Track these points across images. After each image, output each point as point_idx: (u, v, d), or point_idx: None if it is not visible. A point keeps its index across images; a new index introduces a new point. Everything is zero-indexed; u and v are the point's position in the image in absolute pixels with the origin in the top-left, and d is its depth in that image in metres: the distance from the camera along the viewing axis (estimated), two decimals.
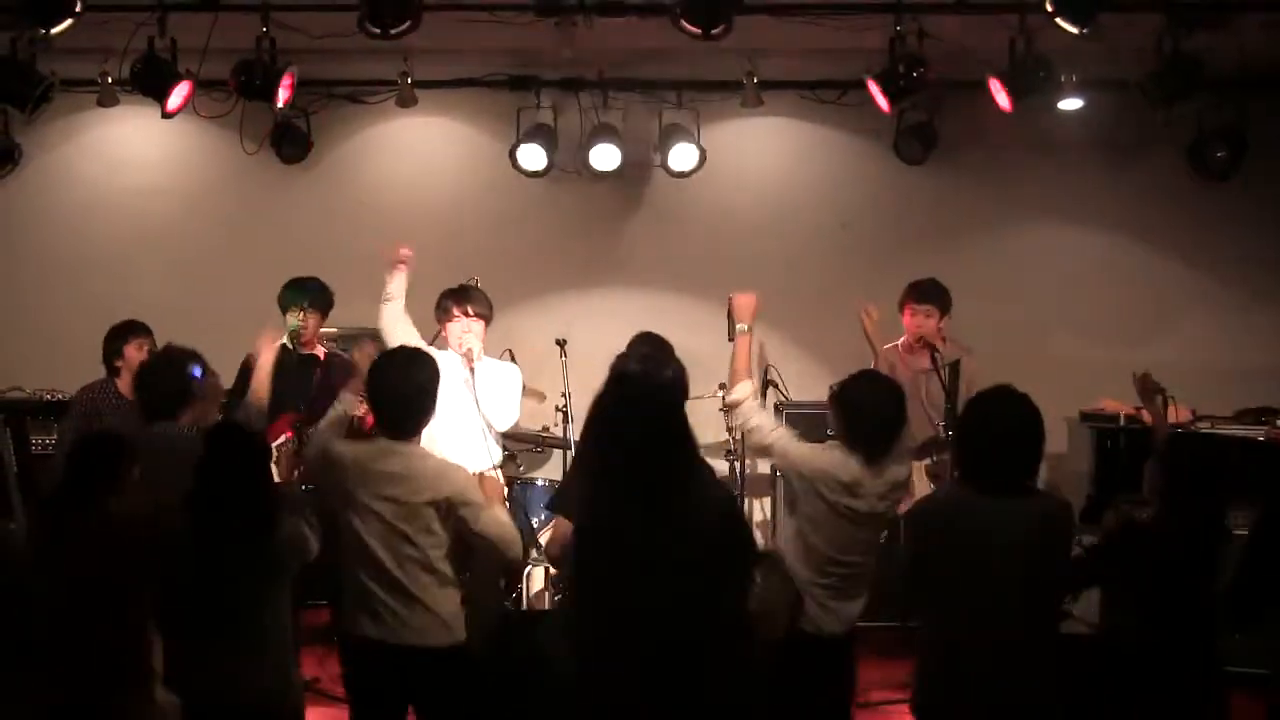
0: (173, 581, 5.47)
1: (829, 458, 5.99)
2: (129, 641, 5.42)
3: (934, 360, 8.47)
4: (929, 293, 8.66)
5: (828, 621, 6.05)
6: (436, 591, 5.73)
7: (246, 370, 7.99)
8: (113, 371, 8.08)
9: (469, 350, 7.91)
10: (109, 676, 5.37)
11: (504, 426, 8.10)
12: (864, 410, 5.95)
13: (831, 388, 6.34)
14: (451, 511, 5.73)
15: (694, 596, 4.76)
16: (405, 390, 5.85)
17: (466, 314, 8.00)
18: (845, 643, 6.19)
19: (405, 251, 8.02)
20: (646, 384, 5.06)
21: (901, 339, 8.92)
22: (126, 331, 8.11)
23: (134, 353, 8.03)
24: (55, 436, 9.07)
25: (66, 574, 5.36)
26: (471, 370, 7.90)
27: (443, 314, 8.08)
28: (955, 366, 8.39)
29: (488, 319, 8.10)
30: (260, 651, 5.51)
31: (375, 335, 7.85)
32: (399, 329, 7.86)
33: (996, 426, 5.28)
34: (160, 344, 8.01)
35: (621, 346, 6.71)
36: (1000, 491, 5.17)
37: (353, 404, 6.26)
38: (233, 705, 5.49)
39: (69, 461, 5.75)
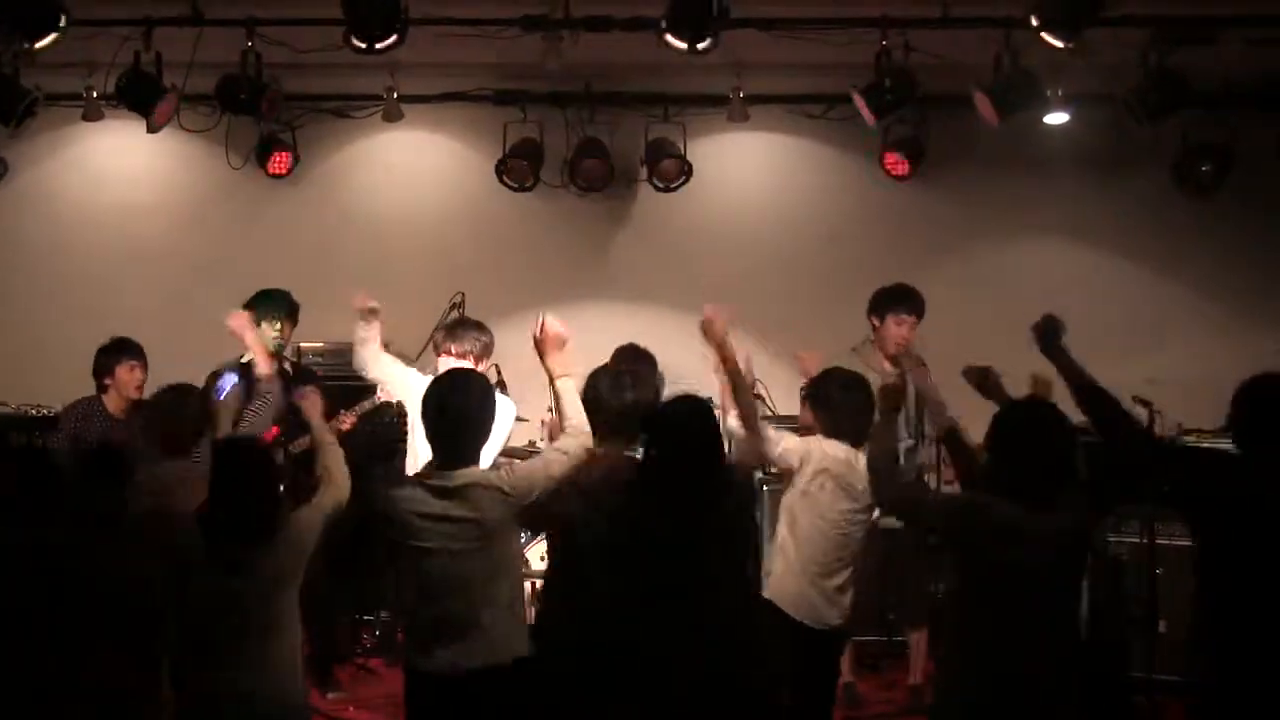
0: (185, 590, 5.46)
1: (827, 441, 6.43)
2: (138, 652, 5.39)
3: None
4: (917, 302, 8.59)
5: (832, 615, 6.40)
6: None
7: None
8: (101, 388, 8.04)
9: None
10: (117, 685, 5.34)
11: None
12: (844, 403, 6.46)
13: (803, 390, 6.83)
14: None
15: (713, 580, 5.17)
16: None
17: (450, 353, 7.71)
18: (843, 634, 6.65)
19: (369, 304, 7.68)
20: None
21: (863, 343, 8.77)
22: (119, 351, 8.05)
23: (125, 374, 7.99)
24: None
25: (84, 585, 5.30)
26: None
27: (436, 346, 7.89)
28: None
29: (478, 356, 7.73)
30: (265, 665, 5.48)
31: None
32: (375, 370, 7.74)
33: (1027, 438, 5.28)
34: (150, 362, 8.04)
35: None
36: (1031, 499, 5.15)
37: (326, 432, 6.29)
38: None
39: (77, 476, 5.71)
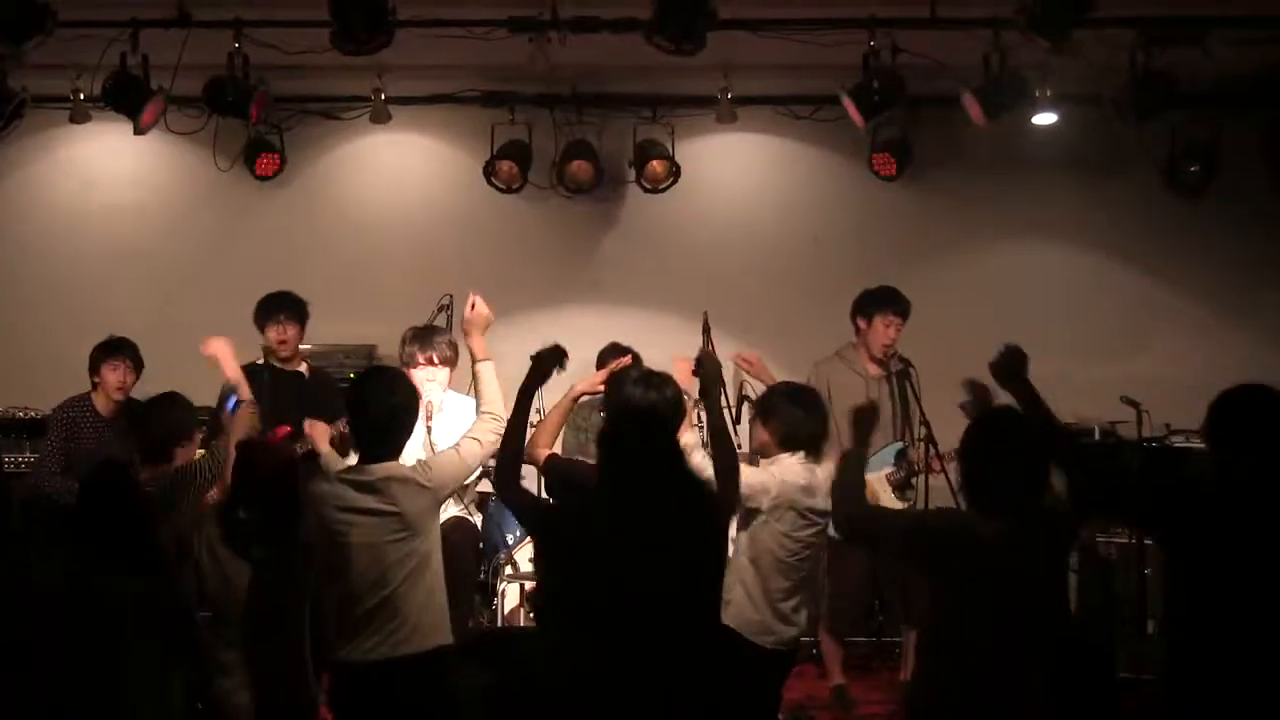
0: (201, 589, 5.46)
1: (784, 466, 6.33)
2: (160, 654, 5.37)
3: (908, 375, 8.43)
4: (904, 304, 8.59)
5: (790, 632, 6.39)
6: None
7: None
8: (92, 386, 8.11)
9: (428, 404, 7.52)
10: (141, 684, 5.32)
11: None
12: (790, 412, 6.40)
13: (754, 403, 6.88)
14: None
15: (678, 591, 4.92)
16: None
17: (431, 362, 7.74)
18: (795, 649, 6.59)
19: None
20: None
21: (845, 347, 8.76)
22: (105, 350, 8.09)
23: (108, 373, 8.03)
24: (29, 454, 9.08)
25: (103, 590, 5.26)
26: (429, 427, 7.62)
27: (407, 359, 7.83)
28: (905, 375, 8.37)
29: (453, 363, 7.82)
30: (281, 663, 5.49)
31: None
32: None
33: (1004, 449, 5.25)
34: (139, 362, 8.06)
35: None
36: (1009, 512, 5.12)
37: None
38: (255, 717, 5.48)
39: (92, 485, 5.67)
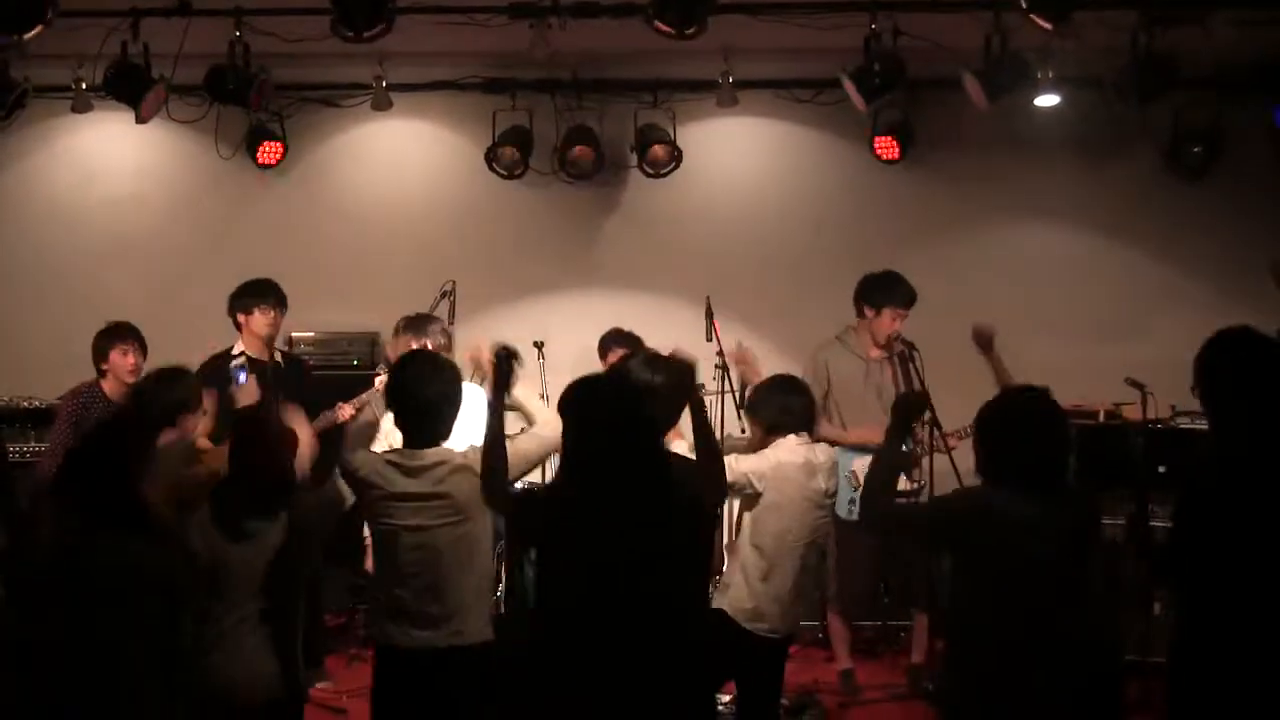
0: (197, 565, 5.44)
1: (781, 448, 6.43)
2: (157, 631, 5.35)
3: (911, 358, 8.42)
4: (913, 296, 8.57)
5: (785, 624, 6.45)
6: None
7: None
8: (100, 374, 8.08)
9: None
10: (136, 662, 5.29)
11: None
12: (777, 404, 6.53)
13: (746, 395, 7.05)
14: None
15: (659, 590, 4.87)
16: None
17: (426, 348, 7.63)
18: (791, 638, 6.68)
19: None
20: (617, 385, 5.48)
21: (845, 331, 8.75)
22: (112, 335, 8.08)
23: (118, 358, 8.03)
24: (34, 444, 9.09)
25: (100, 570, 5.22)
26: None
27: (400, 345, 7.82)
28: (908, 357, 8.36)
29: (448, 350, 7.77)
30: (276, 644, 5.47)
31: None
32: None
33: (1026, 425, 5.22)
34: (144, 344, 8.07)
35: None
36: (1032, 491, 5.10)
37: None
38: (240, 699, 5.42)
39: (95, 454, 5.62)
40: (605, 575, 4.83)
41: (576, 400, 5.10)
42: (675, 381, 5.58)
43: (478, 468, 5.51)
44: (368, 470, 5.73)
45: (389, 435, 6.89)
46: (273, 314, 8.53)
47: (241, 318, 8.54)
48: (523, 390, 5.98)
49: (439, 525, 5.64)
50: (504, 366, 5.54)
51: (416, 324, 7.93)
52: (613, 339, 8.77)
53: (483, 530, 5.78)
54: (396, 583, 5.68)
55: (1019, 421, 5.23)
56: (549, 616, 5.00)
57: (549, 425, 5.80)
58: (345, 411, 8.31)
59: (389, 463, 5.72)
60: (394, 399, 5.90)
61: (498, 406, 5.47)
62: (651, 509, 4.90)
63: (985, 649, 5.08)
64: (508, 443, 5.61)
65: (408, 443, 5.78)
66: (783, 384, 6.67)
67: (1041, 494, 5.06)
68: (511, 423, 5.77)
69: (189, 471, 6.39)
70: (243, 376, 7.31)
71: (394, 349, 7.93)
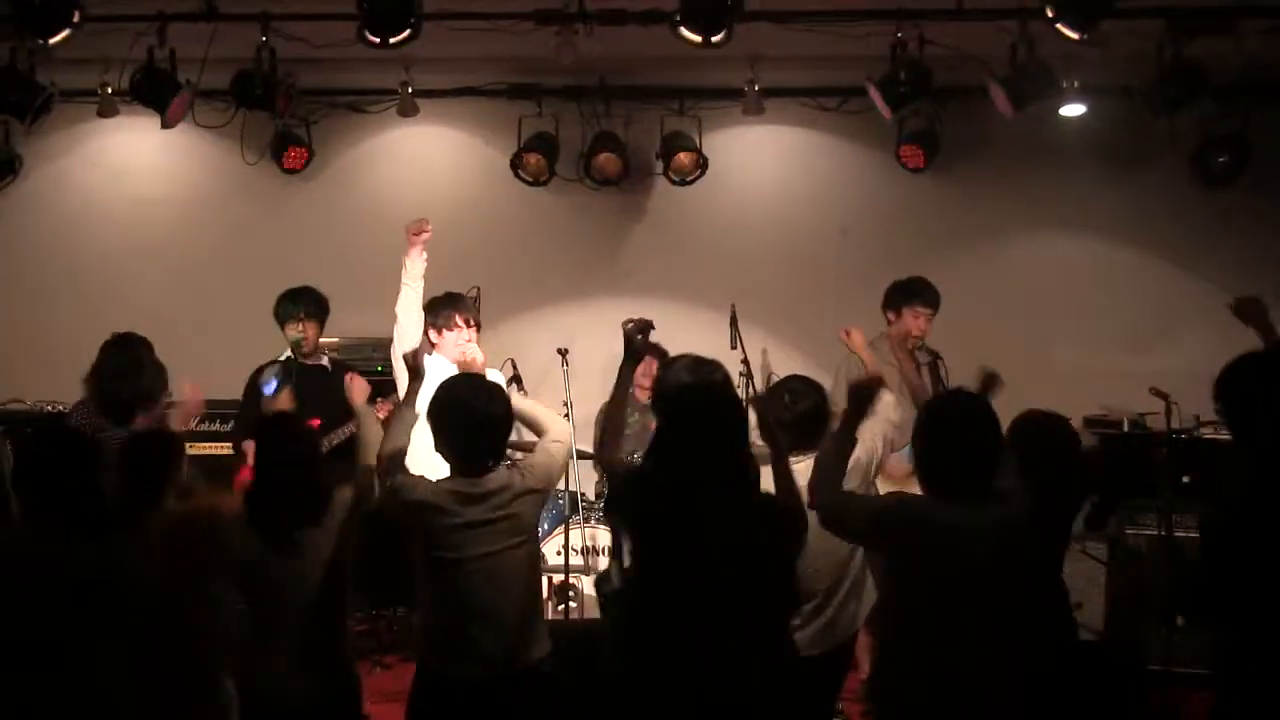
0: (235, 575, 5.44)
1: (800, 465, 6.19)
2: (195, 641, 5.35)
3: (937, 367, 8.42)
4: (933, 295, 8.57)
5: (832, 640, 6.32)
6: None
7: (253, 389, 8.04)
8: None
9: (474, 359, 7.40)
10: (177, 676, 5.29)
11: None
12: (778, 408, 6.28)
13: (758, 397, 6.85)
14: None
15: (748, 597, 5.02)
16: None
17: (469, 324, 7.80)
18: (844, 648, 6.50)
19: (425, 227, 7.92)
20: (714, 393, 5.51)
21: (879, 338, 8.72)
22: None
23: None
24: None
25: (131, 577, 5.20)
26: None
27: (442, 321, 7.82)
28: (934, 367, 8.34)
29: (478, 324, 7.94)
30: (323, 648, 5.51)
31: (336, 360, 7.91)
32: (414, 318, 7.79)
33: (955, 431, 5.21)
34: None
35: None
36: (961, 496, 5.10)
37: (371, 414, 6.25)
38: (295, 705, 5.44)
39: (124, 463, 5.62)
40: (701, 562, 4.96)
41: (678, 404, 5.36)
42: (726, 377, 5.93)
43: (535, 484, 5.64)
44: (427, 495, 5.55)
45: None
46: (301, 325, 8.54)
47: (282, 328, 8.59)
48: (526, 404, 6.13)
49: (503, 550, 5.54)
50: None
51: (455, 299, 7.97)
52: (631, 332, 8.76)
53: (537, 545, 5.84)
54: (456, 611, 5.54)
55: (944, 427, 5.25)
56: (648, 597, 5.13)
57: (559, 439, 5.93)
58: (382, 410, 8.32)
59: (449, 491, 5.54)
60: (449, 421, 5.61)
61: (626, 376, 5.66)
62: (741, 509, 5.07)
63: (915, 648, 5.11)
64: (527, 458, 5.75)
65: (464, 469, 5.59)
66: (783, 396, 6.41)
67: (971, 498, 5.06)
68: (515, 431, 5.82)
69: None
70: (269, 387, 7.32)
71: (435, 328, 7.88)
